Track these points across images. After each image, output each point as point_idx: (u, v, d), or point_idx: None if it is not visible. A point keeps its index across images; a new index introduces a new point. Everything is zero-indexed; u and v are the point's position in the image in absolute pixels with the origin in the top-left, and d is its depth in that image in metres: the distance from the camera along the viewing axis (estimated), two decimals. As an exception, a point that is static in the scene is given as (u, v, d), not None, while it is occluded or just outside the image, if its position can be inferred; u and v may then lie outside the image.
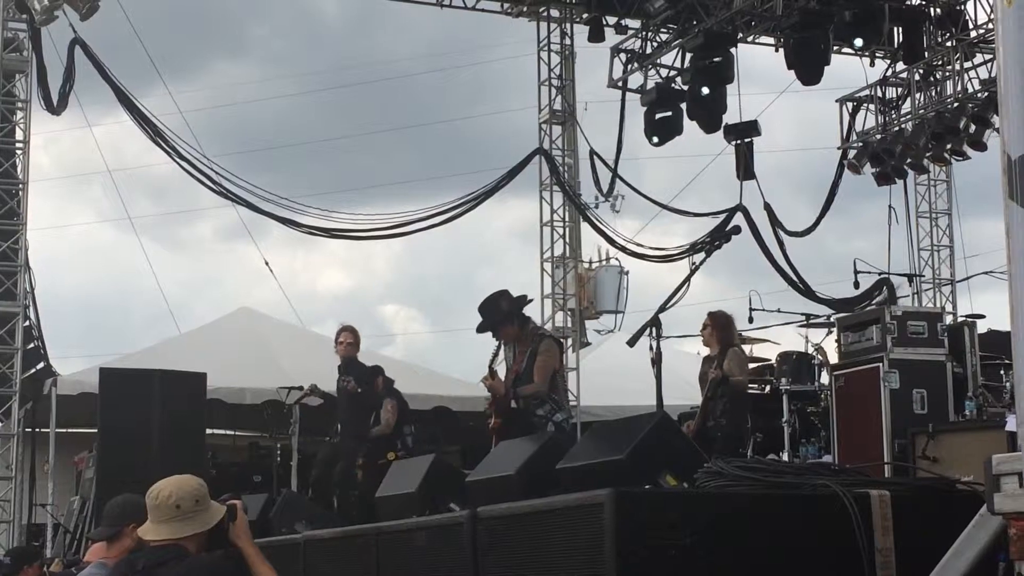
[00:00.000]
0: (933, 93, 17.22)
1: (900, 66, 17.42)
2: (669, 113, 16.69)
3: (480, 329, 9.53)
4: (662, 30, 17.33)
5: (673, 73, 17.04)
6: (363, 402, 12.21)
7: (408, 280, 45.66)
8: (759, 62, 17.80)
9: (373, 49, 40.43)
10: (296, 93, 36.24)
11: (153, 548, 4.38)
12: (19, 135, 15.03)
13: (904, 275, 16.21)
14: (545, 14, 17.86)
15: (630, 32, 17.47)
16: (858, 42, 15.84)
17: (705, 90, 16.07)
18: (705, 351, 11.26)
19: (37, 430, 15.15)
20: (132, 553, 4.71)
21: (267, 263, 17.87)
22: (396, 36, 42.63)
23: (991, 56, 15.78)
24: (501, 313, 9.47)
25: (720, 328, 10.86)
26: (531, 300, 9.74)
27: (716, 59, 15.96)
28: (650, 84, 17.26)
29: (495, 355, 9.42)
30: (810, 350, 11.84)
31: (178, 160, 15.17)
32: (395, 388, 12.94)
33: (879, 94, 17.63)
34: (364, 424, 12.24)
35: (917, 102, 17.31)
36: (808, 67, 15.69)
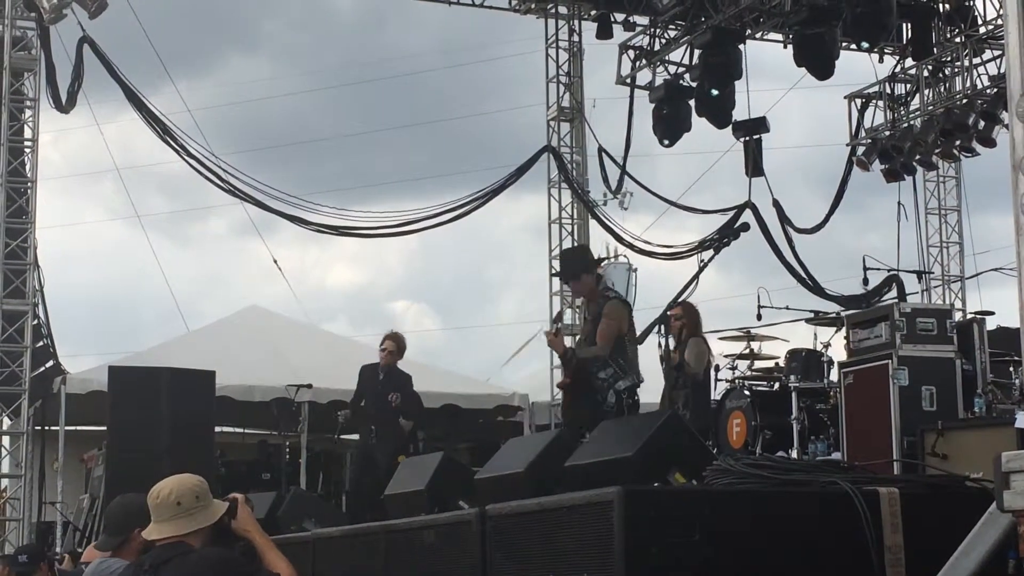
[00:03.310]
0: (942, 89, 17.18)
1: (909, 62, 17.38)
2: (677, 112, 16.66)
3: (563, 275, 9.38)
4: (670, 27, 17.31)
5: (682, 70, 17.04)
6: (388, 399, 12.24)
7: (418, 276, 45.64)
8: (769, 57, 17.78)
9: (385, 45, 40.41)
10: (310, 89, 36.23)
11: (159, 547, 4.39)
12: (27, 133, 15.05)
13: (914, 272, 16.17)
14: (553, 11, 17.86)
15: (638, 29, 17.47)
16: (864, 44, 15.81)
17: (715, 92, 16.04)
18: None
19: (46, 428, 15.20)
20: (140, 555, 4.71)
21: (275, 261, 17.91)
22: (408, 32, 42.62)
23: (1000, 52, 15.75)
24: (584, 262, 9.36)
25: (690, 317, 11.04)
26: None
27: (724, 56, 15.94)
28: (658, 81, 17.24)
29: (560, 315, 9.30)
30: (819, 347, 11.83)
31: (186, 158, 15.20)
32: (415, 392, 13.00)
33: (888, 90, 17.60)
34: (398, 427, 12.31)
35: (926, 98, 17.27)
36: (818, 63, 15.67)
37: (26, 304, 14.60)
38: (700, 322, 11.32)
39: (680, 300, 10.73)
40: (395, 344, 12.38)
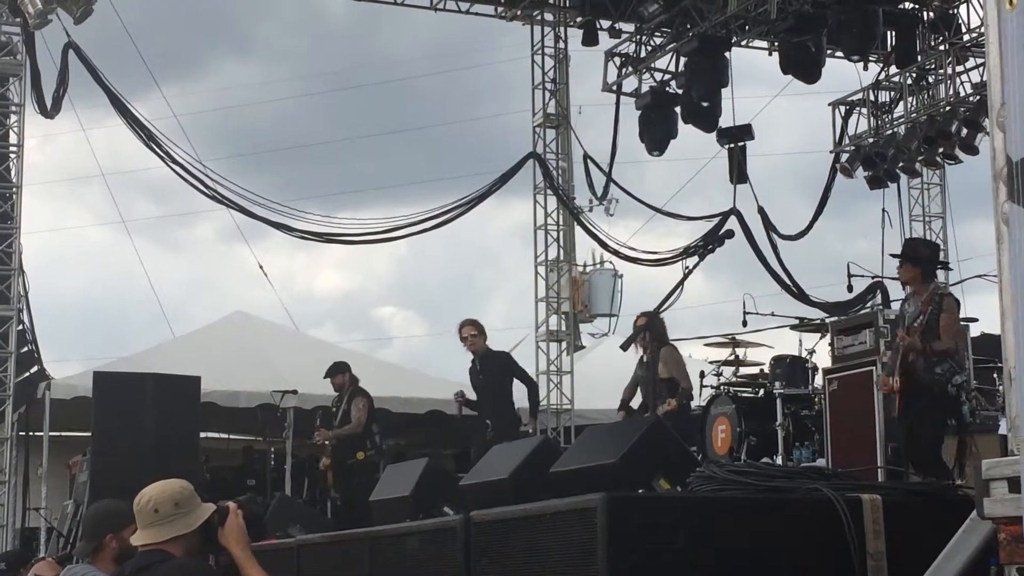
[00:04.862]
0: (925, 97, 17.23)
1: (893, 70, 17.43)
2: (663, 119, 16.67)
3: (903, 255, 9.45)
4: (656, 34, 17.34)
5: (668, 77, 17.07)
6: (496, 387, 11.96)
7: (406, 282, 45.65)
8: (757, 63, 17.81)
9: (377, 50, 40.42)
10: (303, 94, 36.21)
11: (140, 554, 4.36)
12: (13, 139, 15.02)
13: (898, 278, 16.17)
14: (539, 18, 17.87)
15: (624, 36, 17.48)
16: (854, 57, 15.87)
17: (705, 104, 16.07)
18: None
19: (31, 434, 15.16)
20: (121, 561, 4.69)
21: (261, 267, 17.88)
22: (398, 38, 42.62)
23: (983, 60, 15.80)
24: (916, 254, 9.42)
25: (654, 327, 10.69)
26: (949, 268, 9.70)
27: (710, 63, 15.97)
28: (644, 88, 17.27)
29: (904, 315, 9.29)
30: (804, 353, 11.86)
31: (171, 165, 15.15)
32: (361, 386, 12.95)
33: (872, 98, 17.65)
34: (513, 414, 11.96)
35: (909, 106, 17.32)
36: (804, 70, 15.72)
37: (10, 309, 14.57)
38: (665, 330, 11.32)
39: (663, 308, 10.72)
40: (474, 327, 11.95)
